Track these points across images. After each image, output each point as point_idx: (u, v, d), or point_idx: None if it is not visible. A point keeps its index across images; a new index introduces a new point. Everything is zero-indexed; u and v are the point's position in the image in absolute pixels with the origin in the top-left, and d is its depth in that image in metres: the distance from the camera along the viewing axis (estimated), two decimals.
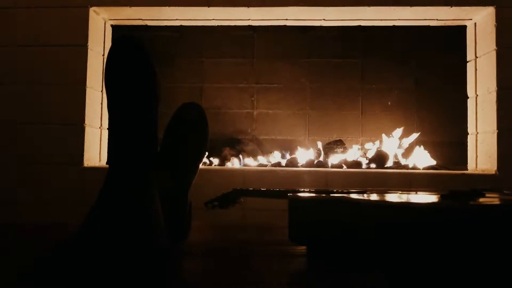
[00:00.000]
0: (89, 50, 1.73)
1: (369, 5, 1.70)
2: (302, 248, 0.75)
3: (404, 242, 0.56)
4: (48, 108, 1.70)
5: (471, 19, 1.81)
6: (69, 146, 1.69)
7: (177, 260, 0.70)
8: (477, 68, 1.79)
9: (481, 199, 0.65)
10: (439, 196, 0.70)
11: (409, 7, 1.71)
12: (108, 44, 1.91)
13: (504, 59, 1.65)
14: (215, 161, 1.90)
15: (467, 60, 1.86)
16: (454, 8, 1.70)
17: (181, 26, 1.96)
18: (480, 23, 1.78)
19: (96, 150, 1.81)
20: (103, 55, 1.87)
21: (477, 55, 1.79)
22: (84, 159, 1.70)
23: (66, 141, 1.69)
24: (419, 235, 0.55)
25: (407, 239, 0.55)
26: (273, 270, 0.64)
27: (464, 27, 1.87)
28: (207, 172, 1.64)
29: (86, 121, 1.71)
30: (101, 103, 1.85)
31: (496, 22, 1.66)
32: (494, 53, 1.66)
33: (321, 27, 1.95)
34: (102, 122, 1.86)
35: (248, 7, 1.73)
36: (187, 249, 0.78)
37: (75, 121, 1.70)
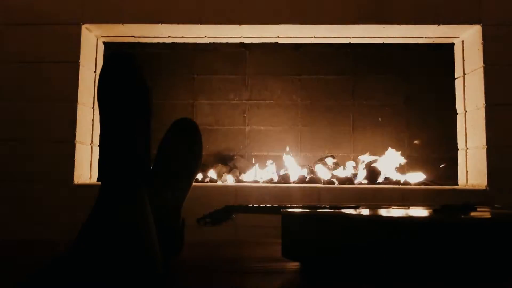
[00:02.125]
0: (81, 66, 1.73)
1: (358, 23, 1.73)
2: (295, 264, 0.74)
3: (398, 256, 0.56)
4: (39, 125, 1.69)
5: (459, 37, 1.85)
6: (60, 163, 1.67)
7: (169, 276, 0.69)
8: (465, 84, 1.82)
9: (473, 213, 0.66)
10: (431, 210, 0.70)
11: (397, 25, 1.74)
12: (100, 61, 1.92)
13: (491, 76, 1.68)
14: (207, 177, 1.89)
15: (456, 77, 1.89)
16: (441, 26, 1.73)
17: (173, 43, 1.97)
18: (467, 41, 1.82)
19: (87, 167, 1.80)
20: (95, 71, 1.87)
21: (465, 72, 1.83)
22: (75, 176, 1.68)
23: (57, 158, 1.67)
24: (413, 248, 0.55)
25: (401, 253, 0.55)
26: (265, 287, 0.64)
27: (452, 44, 1.91)
28: (199, 188, 1.63)
29: (77, 138, 1.70)
30: (92, 120, 1.85)
31: (483, 40, 1.69)
32: (481, 70, 1.69)
33: (312, 44, 1.97)
34: (93, 139, 1.85)
35: (240, 24, 1.75)
36: (179, 266, 0.78)
37: (66, 138, 1.69)
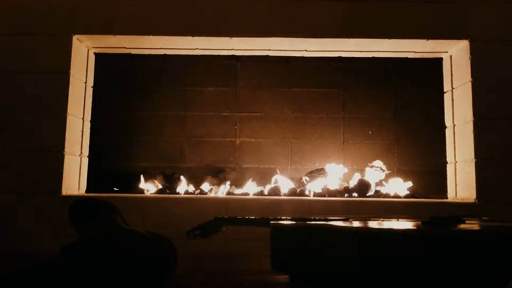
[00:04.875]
0: (71, 77, 1.72)
1: (348, 37, 1.75)
2: (285, 277, 0.74)
3: (387, 267, 0.55)
4: (27, 135, 1.67)
5: (447, 52, 1.87)
6: (48, 174, 1.65)
7: None
8: (454, 98, 1.84)
9: (461, 225, 0.66)
10: (420, 222, 0.70)
11: (387, 40, 1.76)
12: (91, 71, 1.91)
13: (479, 90, 1.70)
14: (198, 190, 1.87)
15: (444, 91, 1.92)
16: (430, 41, 1.76)
17: (165, 54, 1.98)
18: (455, 56, 1.84)
19: (75, 178, 1.78)
20: (85, 82, 1.86)
21: (453, 86, 1.85)
22: (63, 188, 1.66)
23: (45, 169, 1.65)
24: (402, 259, 0.54)
25: (390, 264, 0.55)
26: None
27: (441, 59, 1.94)
28: (189, 201, 1.62)
29: (66, 149, 1.68)
30: (82, 131, 1.83)
31: (471, 54, 1.72)
32: (469, 84, 1.72)
33: (303, 57, 1.99)
34: (82, 150, 1.83)
35: (231, 37, 1.76)
36: (168, 279, 0.77)
37: (54, 148, 1.67)
